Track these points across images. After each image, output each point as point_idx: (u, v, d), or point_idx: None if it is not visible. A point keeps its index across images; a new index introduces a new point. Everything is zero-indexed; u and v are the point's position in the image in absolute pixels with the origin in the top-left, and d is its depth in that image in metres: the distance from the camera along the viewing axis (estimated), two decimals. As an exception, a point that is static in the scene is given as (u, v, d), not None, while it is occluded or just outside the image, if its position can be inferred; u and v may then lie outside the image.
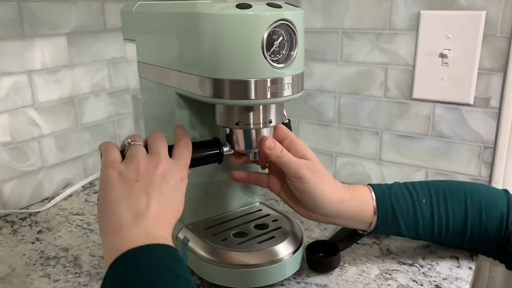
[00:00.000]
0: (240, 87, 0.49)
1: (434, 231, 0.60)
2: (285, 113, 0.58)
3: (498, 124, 0.74)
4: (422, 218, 0.59)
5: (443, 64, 0.76)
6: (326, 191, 0.56)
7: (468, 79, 0.75)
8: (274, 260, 0.57)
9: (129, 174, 0.46)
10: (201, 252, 0.58)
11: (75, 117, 0.90)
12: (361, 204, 0.59)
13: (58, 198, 0.85)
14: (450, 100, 0.77)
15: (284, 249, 0.58)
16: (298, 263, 0.60)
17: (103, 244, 0.44)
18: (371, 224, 0.59)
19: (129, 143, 0.50)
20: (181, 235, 0.62)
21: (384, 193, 0.60)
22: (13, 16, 0.77)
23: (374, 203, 0.59)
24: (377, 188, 0.60)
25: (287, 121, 0.61)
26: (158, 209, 0.45)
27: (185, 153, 0.51)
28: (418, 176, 0.84)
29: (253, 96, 0.49)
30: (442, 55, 0.76)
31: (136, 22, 0.63)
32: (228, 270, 0.57)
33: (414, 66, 0.79)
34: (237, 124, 0.54)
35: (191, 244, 0.60)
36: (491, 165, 0.77)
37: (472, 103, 0.76)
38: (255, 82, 0.49)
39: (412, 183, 0.61)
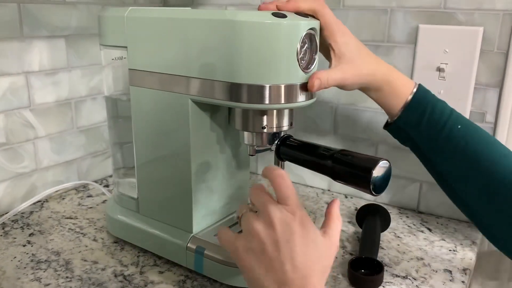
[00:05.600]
0: (280, 92, 0.52)
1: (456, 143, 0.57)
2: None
3: (493, 139, 0.75)
4: (450, 131, 0.57)
5: (440, 78, 0.77)
6: (363, 85, 0.60)
7: (464, 93, 0.75)
8: None
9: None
10: (223, 258, 0.59)
11: (71, 119, 0.89)
12: (393, 98, 0.60)
13: (51, 201, 0.85)
14: (446, 114, 0.78)
15: None
16: None
17: None
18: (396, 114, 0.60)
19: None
20: (192, 245, 0.62)
21: (424, 97, 0.59)
22: (12, 17, 0.76)
23: (409, 99, 0.59)
24: (421, 91, 0.60)
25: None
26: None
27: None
28: (412, 189, 0.84)
29: (285, 100, 0.53)
30: (439, 69, 0.76)
31: (131, 28, 0.60)
32: None
33: (411, 79, 0.79)
34: (263, 128, 0.57)
35: (208, 252, 0.60)
36: (486, 180, 0.77)
37: (468, 117, 0.76)
38: (290, 86, 0.53)
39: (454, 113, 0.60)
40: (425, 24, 0.77)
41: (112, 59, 0.65)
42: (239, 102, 0.53)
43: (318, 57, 0.56)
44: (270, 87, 0.52)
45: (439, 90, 0.77)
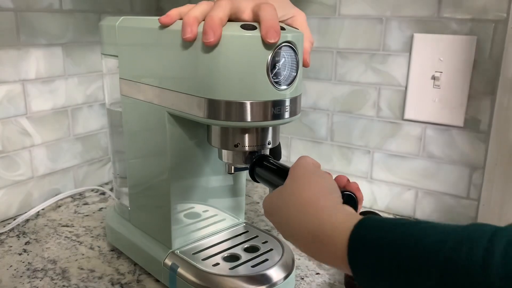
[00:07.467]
0: (246, 109, 0.48)
1: None
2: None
3: (487, 146, 0.76)
4: None
5: (435, 86, 0.77)
6: None
7: (459, 101, 0.76)
8: (272, 284, 0.55)
9: None
10: (194, 278, 0.56)
11: (68, 127, 0.89)
12: None
13: (47, 209, 0.84)
14: (441, 122, 0.79)
15: (280, 271, 0.57)
16: (292, 285, 0.60)
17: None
18: None
19: None
20: (168, 261, 0.59)
21: None
22: (9, 25, 0.77)
23: None
24: None
25: (277, 143, 0.59)
26: None
27: None
28: (408, 196, 0.85)
29: (256, 118, 0.49)
30: (434, 78, 0.77)
31: (120, 38, 0.59)
32: None
33: (406, 87, 0.80)
34: (236, 146, 0.54)
35: (180, 270, 0.57)
36: (480, 187, 0.78)
37: (462, 125, 0.77)
38: (260, 104, 0.48)
39: None
40: (420, 33, 0.77)
41: (118, 67, 0.65)
42: (207, 117, 0.50)
43: (301, 75, 0.52)
44: (240, 104, 0.48)
45: (434, 98, 0.78)
